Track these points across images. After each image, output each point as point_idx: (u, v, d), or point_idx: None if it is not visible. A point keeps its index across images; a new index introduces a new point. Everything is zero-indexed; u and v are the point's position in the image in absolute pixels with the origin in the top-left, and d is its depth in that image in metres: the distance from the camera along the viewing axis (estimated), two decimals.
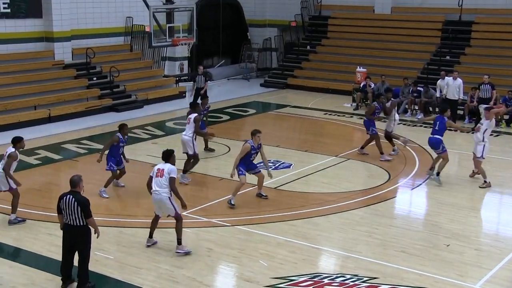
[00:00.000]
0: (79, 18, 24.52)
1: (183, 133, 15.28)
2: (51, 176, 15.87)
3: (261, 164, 13.94)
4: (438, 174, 15.05)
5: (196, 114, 15.36)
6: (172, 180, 10.88)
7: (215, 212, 13.09)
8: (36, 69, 22.73)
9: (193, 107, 16.11)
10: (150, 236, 11.38)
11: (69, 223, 9.45)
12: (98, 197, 13.56)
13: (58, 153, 17.62)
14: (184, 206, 11.13)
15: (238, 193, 13.32)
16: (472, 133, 16.04)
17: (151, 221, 11.32)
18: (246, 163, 13.30)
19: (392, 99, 17.70)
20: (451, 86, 21.15)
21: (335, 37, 30.02)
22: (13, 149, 12.24)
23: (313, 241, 11.69)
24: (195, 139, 15.17)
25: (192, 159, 15.17)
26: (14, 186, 12.28)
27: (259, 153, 13.50)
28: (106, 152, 14.04)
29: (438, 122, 15.18)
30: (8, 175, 12.15)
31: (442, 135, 15.09)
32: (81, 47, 24.11)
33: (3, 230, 12.01)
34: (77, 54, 24.13)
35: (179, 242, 11.07)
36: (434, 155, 15.71)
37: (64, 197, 9.47)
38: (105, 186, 13.92)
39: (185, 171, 14.99)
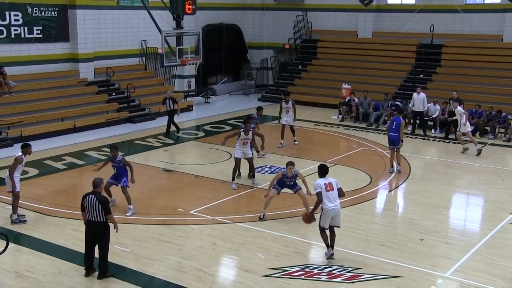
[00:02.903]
0: (101, 41, 24.57)
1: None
2: (75, 179, 15.86)
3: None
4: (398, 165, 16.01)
5: None
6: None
7: (219, 211, 13.07)
8: (63, 86, 22.73)
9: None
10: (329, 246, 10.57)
11: (91, 219, 9.47)
12: (119, 197, 13.42)
13: (82, 159, 17.60)
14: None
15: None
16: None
17: (327, 236, 10.52)
18: (281, 185, 12.41)
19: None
20: (416, 100, 21.40)
21: (324, 58, 30.05)
22: (20, 154, 12.03)
23: (305, 236, 11.67)
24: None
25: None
26: (17, 188, 11.95)
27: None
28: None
29: (395, 122, 15.99)
30: (10, 177, 11.88)
31: (399, 133, 15.84)
32: (102, 67, 24.12)
33: (35, 226, 12.00)
34: (98, 73, 24.14)
35: None
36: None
37: (87, 197, 9.50)
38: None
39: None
